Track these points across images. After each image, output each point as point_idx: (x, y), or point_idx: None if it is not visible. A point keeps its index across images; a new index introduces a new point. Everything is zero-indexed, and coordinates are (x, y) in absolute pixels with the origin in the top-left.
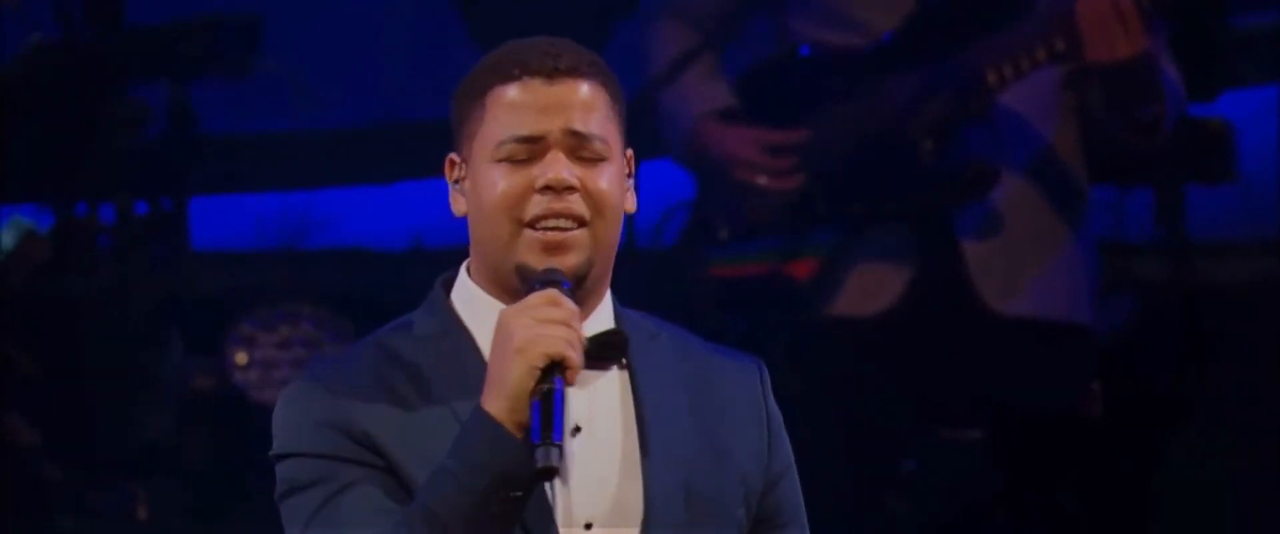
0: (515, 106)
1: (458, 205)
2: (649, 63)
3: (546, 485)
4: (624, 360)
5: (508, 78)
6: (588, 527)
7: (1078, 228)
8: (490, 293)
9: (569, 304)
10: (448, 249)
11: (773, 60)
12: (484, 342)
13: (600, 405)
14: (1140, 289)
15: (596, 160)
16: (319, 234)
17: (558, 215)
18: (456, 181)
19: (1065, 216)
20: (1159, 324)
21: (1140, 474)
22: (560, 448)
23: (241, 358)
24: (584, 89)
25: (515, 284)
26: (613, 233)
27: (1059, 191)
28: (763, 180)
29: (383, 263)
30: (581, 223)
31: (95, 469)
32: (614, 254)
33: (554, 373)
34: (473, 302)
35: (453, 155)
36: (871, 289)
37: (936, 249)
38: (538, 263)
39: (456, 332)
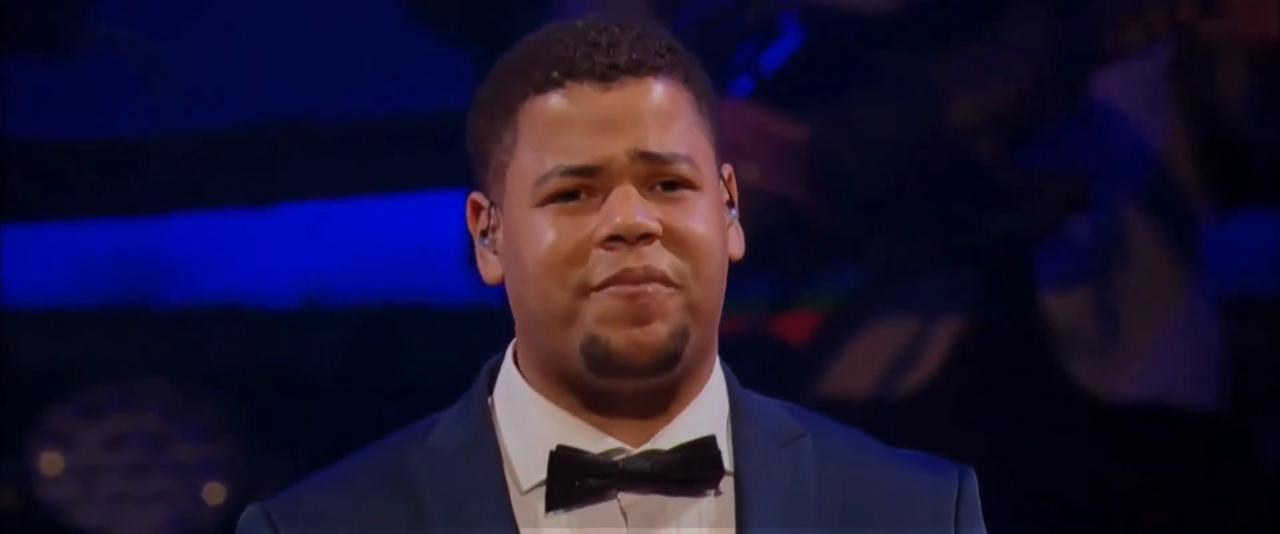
0: (559, 124)
1: (489, 269)
2: None
3: None
4: (733, 481)
5: (546, 84)
6: None
7: (1195, 272)
8: (537, 386)
9: None
10: (357, 307)
11: (751, 25)
12: (515, 454)
13: None
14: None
15: (683, 190)
16: (173, 283)
17: (634, 279)
18: (484, 234)
19: (1181, 255)
20: None
21: None
22: None
23: (53, 462)
24: (658, 91)
25: (578, 369)
26: (714, 292)
27: (1173, 220)
28: (753, 173)
29: (264, 326)
30: (668, 283)
31: None
32: (717, 322)
33: None
34: (511, 397)
35: (475, 196)
36: (899, 357)
37: (999, 300)
38: (618, 338)
39: (485, 441)
